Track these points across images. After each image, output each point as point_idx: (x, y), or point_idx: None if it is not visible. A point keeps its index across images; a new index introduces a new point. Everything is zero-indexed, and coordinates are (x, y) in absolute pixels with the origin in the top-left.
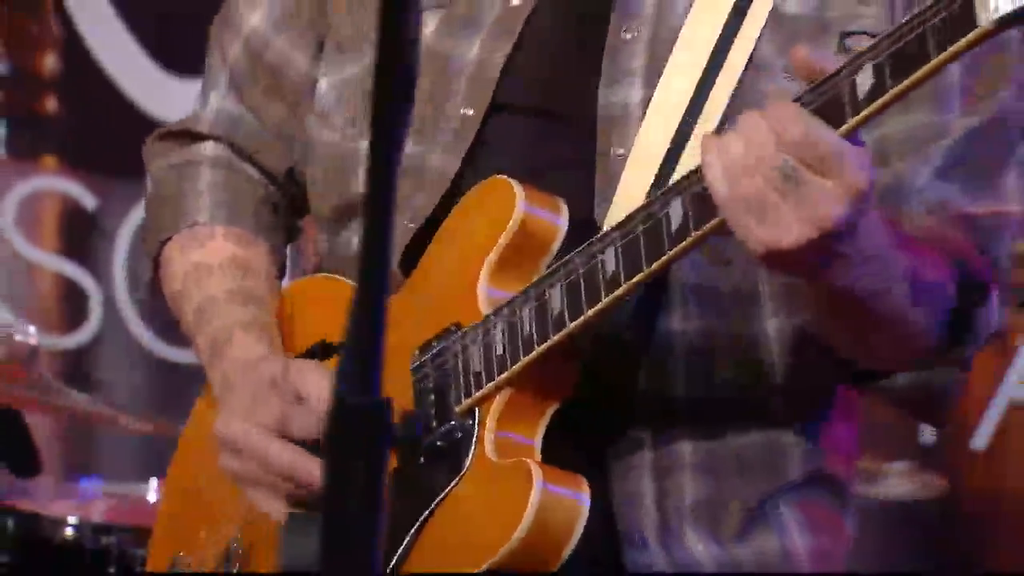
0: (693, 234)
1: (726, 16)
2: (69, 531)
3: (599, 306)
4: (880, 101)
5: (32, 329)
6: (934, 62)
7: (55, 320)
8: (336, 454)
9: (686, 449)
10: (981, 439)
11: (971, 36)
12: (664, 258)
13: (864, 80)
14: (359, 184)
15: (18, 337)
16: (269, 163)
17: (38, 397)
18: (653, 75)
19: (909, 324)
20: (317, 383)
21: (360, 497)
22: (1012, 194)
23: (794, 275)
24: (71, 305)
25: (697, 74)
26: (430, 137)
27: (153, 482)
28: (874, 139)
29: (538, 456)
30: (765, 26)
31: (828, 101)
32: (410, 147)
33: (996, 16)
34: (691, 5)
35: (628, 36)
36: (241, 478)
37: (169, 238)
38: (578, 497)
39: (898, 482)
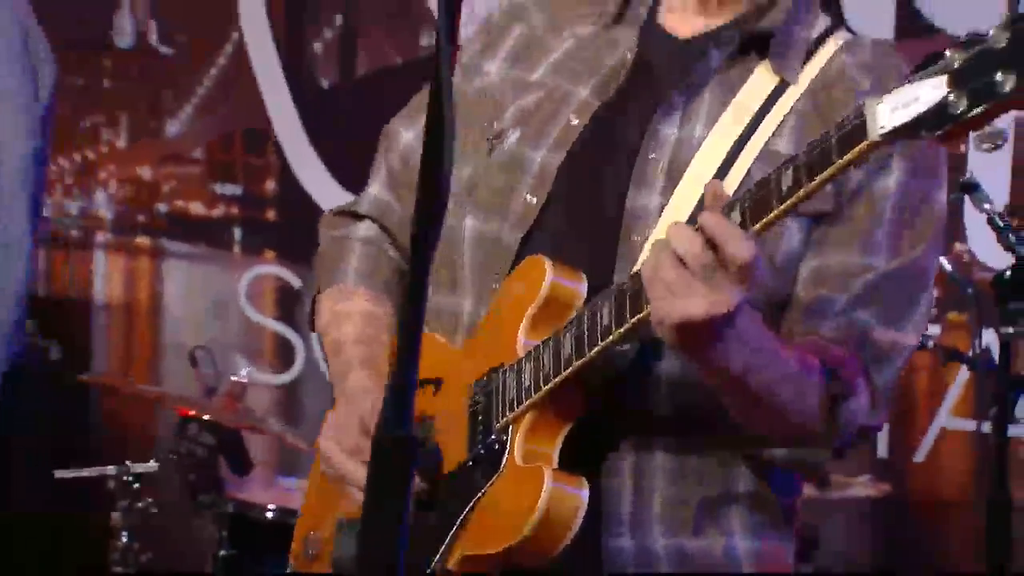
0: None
1: (729, 148)
2: (270, 514)
3: (596, 349)
4: (801, 193)
5: (244, 372)
6: (837, 165)
7: (271, 364)
8: (376, 474)
9: (659, 459)
10: (921, 455)
11: (863, 146)
12: (642, 313)
13: (787, 180)
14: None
15: (233, 378)
16: (404, 242)
17: (248, 420)
18: (669, 187)
19: (780, 406)
20: None
21: (391, 507)
22: (911, 329)
23: (690, 352)
24: (283, 354)
25: (702, 187)
26: (502, 217)
27: None
28: (813, 267)
29: (555, 462)
30: (757, 158)
31: (761, 197)
32: (485, 224)
33: (883, 131)
34: (704, 139)
35: (653, 156)
36: (334, 480)
37: (323, 291)
38: (580, 493)
39: (860, 490)
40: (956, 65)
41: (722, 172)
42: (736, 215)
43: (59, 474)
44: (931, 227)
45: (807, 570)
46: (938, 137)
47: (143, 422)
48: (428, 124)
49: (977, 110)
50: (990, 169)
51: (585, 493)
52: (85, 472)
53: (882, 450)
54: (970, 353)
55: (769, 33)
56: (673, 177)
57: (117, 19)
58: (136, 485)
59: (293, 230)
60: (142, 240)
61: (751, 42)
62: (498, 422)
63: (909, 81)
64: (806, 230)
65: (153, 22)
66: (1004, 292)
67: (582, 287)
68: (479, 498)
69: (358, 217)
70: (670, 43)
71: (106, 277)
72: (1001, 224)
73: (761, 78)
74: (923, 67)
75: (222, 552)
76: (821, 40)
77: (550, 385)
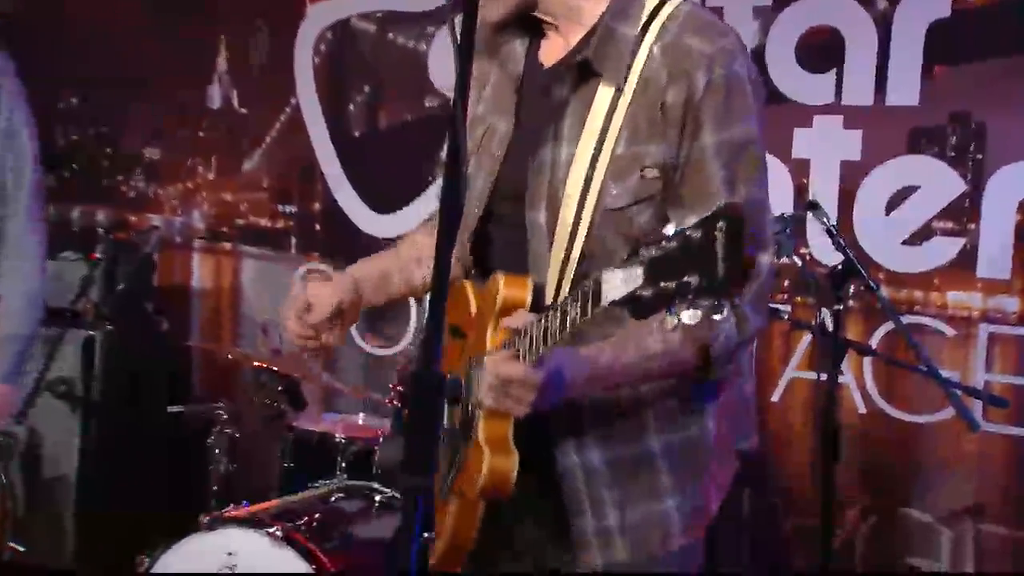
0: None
1: (588, 164)
2: (318, 439)
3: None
4: (559, 338)
5: None
6: (583, 320)
7: None
8: (415, 403)
9: (587, 416)
10: (776, 396)
11: (597, 309)
12: (555, 341)
13: (552, 323)
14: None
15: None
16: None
17: (303, 370)
18: (551, 204)
19: (659, 376)
20: (319, 293)
21: (426, 428)
22: (764, 247)
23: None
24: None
25: (576, 201)
26: (465, 225)
27: (361, 415)
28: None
29: (511, 437)
30: (607, 170)
31: (534, 337)
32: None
33: (608, 301)
34: (571, 159)
35: (538, 178)
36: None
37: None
38: (511, 462)
39: None
40: (649, 258)
41: (585, 188)
42: (513, 350)
43: (171, 409)
44: (756, 163)
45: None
46: (638, 315)
47: (229, 373)
48: (449, 149)
49: (657, 304)
50: (826, 194)
51: (514, 464)
52: (188, 408)
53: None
54: (812, 323)
55: (587, 61)
56: (553, 194)
57: (210, 89)
58: (225, 417)
59: (333, 237)
60: (225, 245)
61: (585, 68)
62: (472, 403)
63: (630, 262)
64: (655, 209)
65: (235, 91)
66: (837, 281)
67: (527, 293)
68: (463, 454)
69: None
70: (538, 73)
71: (201, 271)
72: (834, 233)
73: (603, 93)
74: (634, 253)
75: (285, 465)
76: (642, 35)
77: None
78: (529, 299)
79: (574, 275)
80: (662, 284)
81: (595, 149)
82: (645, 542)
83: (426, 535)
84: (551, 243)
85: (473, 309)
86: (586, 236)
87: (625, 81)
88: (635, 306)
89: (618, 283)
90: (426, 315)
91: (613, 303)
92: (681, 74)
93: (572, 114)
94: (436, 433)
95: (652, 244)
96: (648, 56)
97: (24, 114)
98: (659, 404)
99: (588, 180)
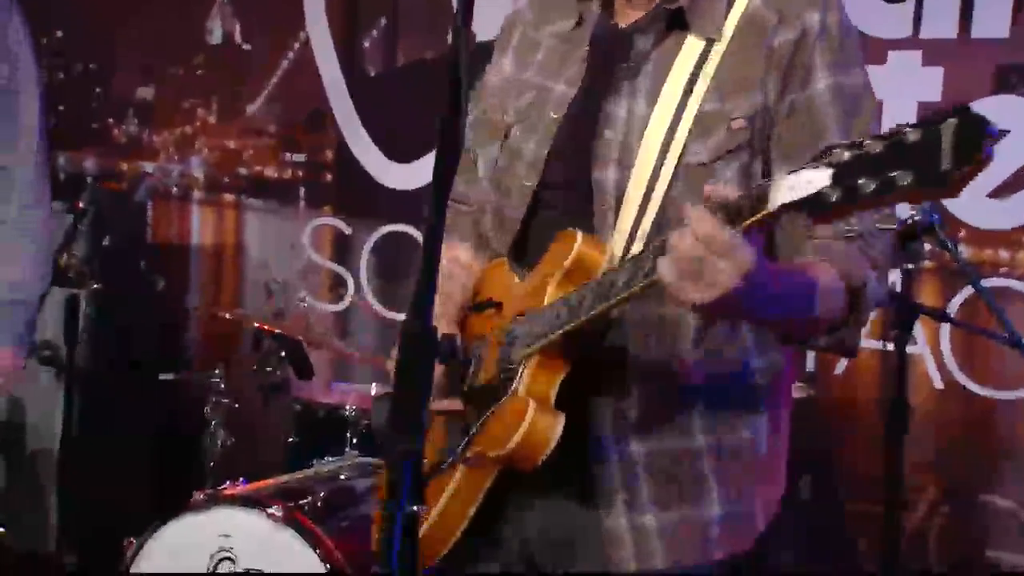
0: (641, 284)
1: (670, 121)
2: (326, 411)
3: (594, 312)
4: (754, 219)
5: (305, 300)
6: (744, 225)
7: (327, 295)
8: (404, 360)
9: (635, 440)
10: (839, 368)
11: (763, 215)
12: (625, 294)
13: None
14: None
15: (301, 304)
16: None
17: (311, 335)
18: (624, 161)
19: (812, 320)
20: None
21: (415, 385)
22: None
23: (721, 317)
24: (336, 287)
25: (653, 160)
26: (509, 196)
27: (374, 385)
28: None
29: (552, 398)
30: (691, 128)
31: (732, 209)
32: (501, 199)
33: (779, 204)
34: (649, 115)
35: (608, 135)
36: None
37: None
38: (555, 426)
39: (796, 392)
40: (841, 160)
41: (667, 142)
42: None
43: (163, 376)
44: (873, 110)
45: None
46: (816, 219)
47: (229, 338)
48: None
49: (845, 204)
50: None
51: (559, 427)
52: (183, 375)
53: (810, 365)
54: None
55: (680, 9)
56: (625, 151)
57: (209, 22)
58: (223, 386)
59: (346, 189)
60: (228, 197)
61: (674, 19)
62: (517, 356)
63: (810, 166)
64: (743, 169)
65: (237, 24)
66: (909, 237)
67: (604, 257)
68: (493, 411)
69: (458, 201)
70: (614, 33)
71: (200, 226)
72: None
73: (691, 46)
74: (821, 155)
75: (289, 439)
76: None
77: (556, 335)
78: (605, 263)
79: (645, 245)
80: (859, 182)
81: (679, 104)
82: (683, 549)
83: (416, 507)
84: (619, 206)
85: (514, 281)
86: (663, 198)
87: (720, 32)
88: (817, 206)
89: (794, 185)
90: (419, 268)
91: (788, 204)
92: (792, 17)
93: (653, 68)
94: (426, 392)
95: (843, 147)
96: (748, 5)
97: (31, 60)
98: (709, 400)
99: (668, 136)
